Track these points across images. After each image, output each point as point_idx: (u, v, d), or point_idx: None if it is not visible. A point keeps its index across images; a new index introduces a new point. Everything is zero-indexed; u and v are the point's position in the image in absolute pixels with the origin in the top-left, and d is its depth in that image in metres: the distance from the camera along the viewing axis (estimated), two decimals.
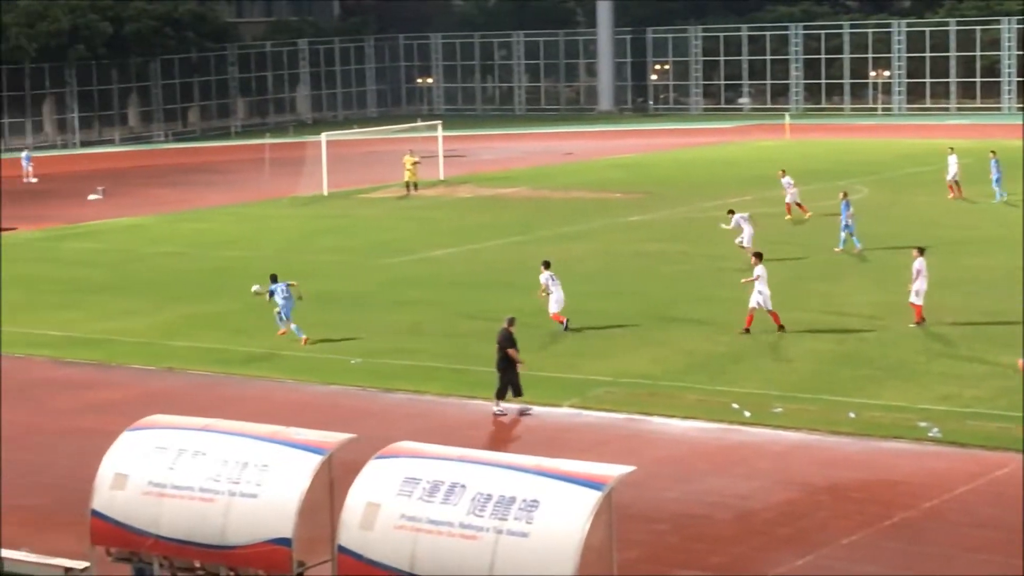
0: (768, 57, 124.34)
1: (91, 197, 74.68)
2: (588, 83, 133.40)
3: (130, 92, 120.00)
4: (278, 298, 39.47)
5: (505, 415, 31.12)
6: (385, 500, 19.34)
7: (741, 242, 49.20)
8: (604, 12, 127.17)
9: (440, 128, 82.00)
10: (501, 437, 29.21)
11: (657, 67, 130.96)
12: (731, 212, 51.11)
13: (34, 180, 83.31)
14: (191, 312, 43.44)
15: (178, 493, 20.60)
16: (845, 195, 52.10)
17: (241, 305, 44.14)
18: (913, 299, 38.47)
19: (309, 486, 20.05)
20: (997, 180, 62.70)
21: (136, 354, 38.02)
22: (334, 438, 21.02)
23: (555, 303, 39.47)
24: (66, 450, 29.31)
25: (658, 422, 30.34)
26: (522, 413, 31.27)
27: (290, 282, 39.93)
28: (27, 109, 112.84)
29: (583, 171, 79.25)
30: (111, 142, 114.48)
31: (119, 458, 21.34)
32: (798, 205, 59.16)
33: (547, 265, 40.12)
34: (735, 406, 30.81)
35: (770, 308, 38.02)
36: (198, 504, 20.42)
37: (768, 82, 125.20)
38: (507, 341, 31.19)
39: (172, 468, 20.81)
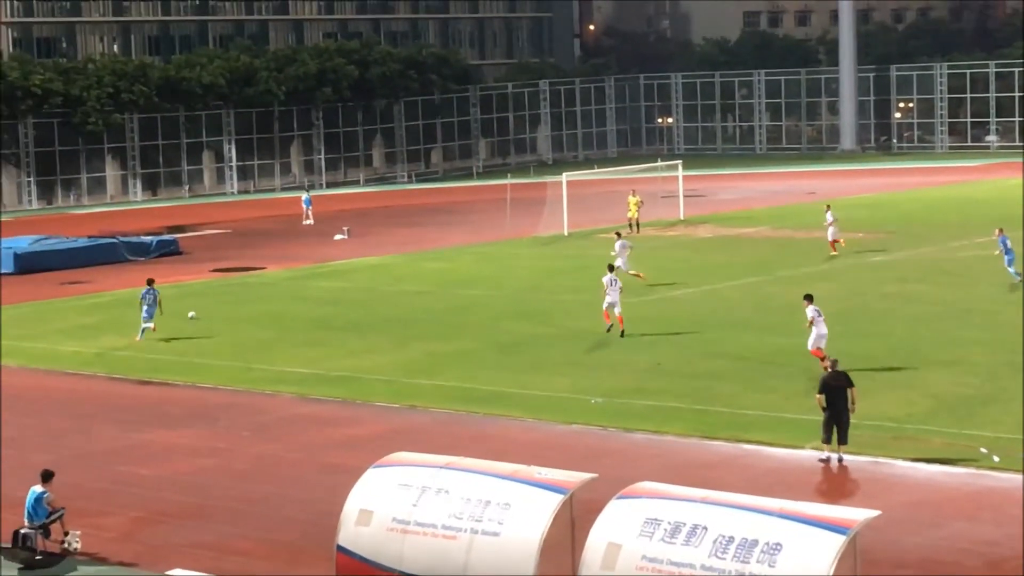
0: (1016, 94, 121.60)
1: (337, 237, 76.13)
2: (830, 122, 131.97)
3: (375, 134, 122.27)
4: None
5: (829, 460, 30.00)
6: (626, 541, 19.29)
7: (620, 266, 49.24)
8: (847, 50, 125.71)
9: (680, 168, 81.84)
10: (743, 479, 28.90)
11: (901, 105, 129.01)
12: (618, 234, 50.21)
13: (311, 222, 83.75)
14: (433, 350, 43.93)
15: (421, 530, 20.80)
16: (1001, 231, 52.97)
17: (483, 343, 44.55)
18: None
19: (550, 525, 20.09)
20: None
21: (380, 391, 38.56)
22: (575, 477, 21.04)
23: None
24: (313, 485, 29.82)
25: (903, 466, 29.76)
26: (823, 460, 30.12)
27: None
28: (276, 151, 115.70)
29: (821, 212, 78.31)
30: (356, 183, 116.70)
31: (364, 494, 21.64)
32: (832, 243, 60.68)
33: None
34: (984, 450, 30.08)
35: (820, 346, 38.24)
36: (441, 541, 20.60)
37: (1016, 119, 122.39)
38: (849, 382, 30.01)
39: (416, 505, 21.03)
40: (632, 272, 51.69)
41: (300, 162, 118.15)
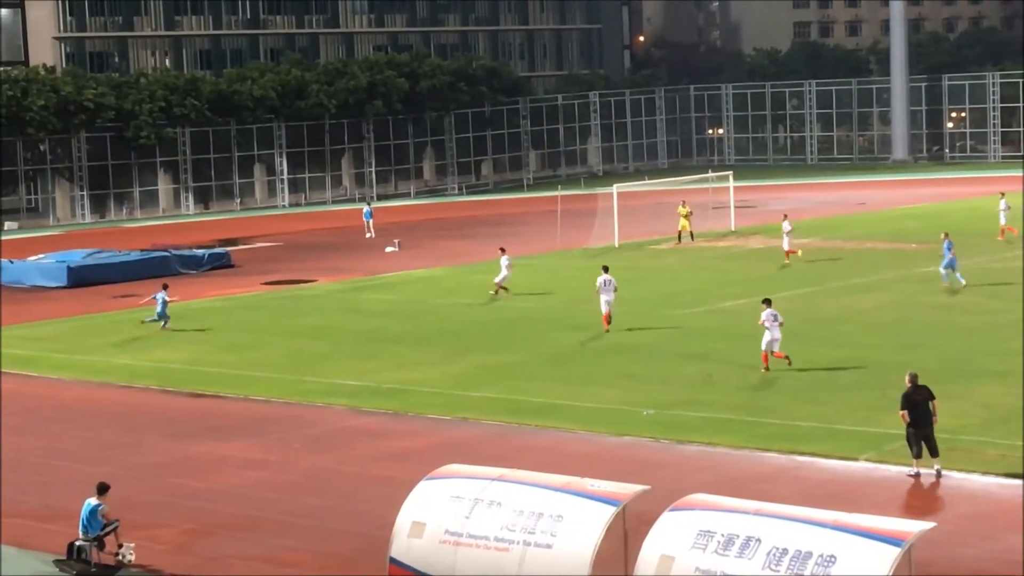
0: None
1: (388, 249, 76.31)
2: (882, 132, 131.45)
3: (425, 146, 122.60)
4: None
5: (919, 475, 29.76)
6: (679, 553, 19.26)
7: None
8: (898, 60, 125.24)
9: (731, 179, 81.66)
10: (796, 491, 28.79)
11: (953, 115, 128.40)
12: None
13: (372, 235, 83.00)
14: (484, 362, 43.98)
15: (474, 542, 20.82)
16: (946, 235, 54.92)
17: (533, 355, 44.58)
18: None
19: (603, 537, 20.07)
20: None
21: (431, 403, 38.61)
22: (628, 489, 21.02)
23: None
24: (365, 497, 29.88)
25: (958, 477, 29.59)
26: (914, 475, 29.82)
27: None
28: (327, 164, 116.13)
29: (876, 221, 78.07)
30: (406, 195, 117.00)
31: (416, 506, 21.68)
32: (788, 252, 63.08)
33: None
34: None
35: (772, 349, 40.12)
36: (493, 553, 20.61)
37: None
38: (930, 395, 29.90)
39: (468, 517, 21.04)
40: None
41: (351, 175, 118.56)
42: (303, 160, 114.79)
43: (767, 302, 40.91)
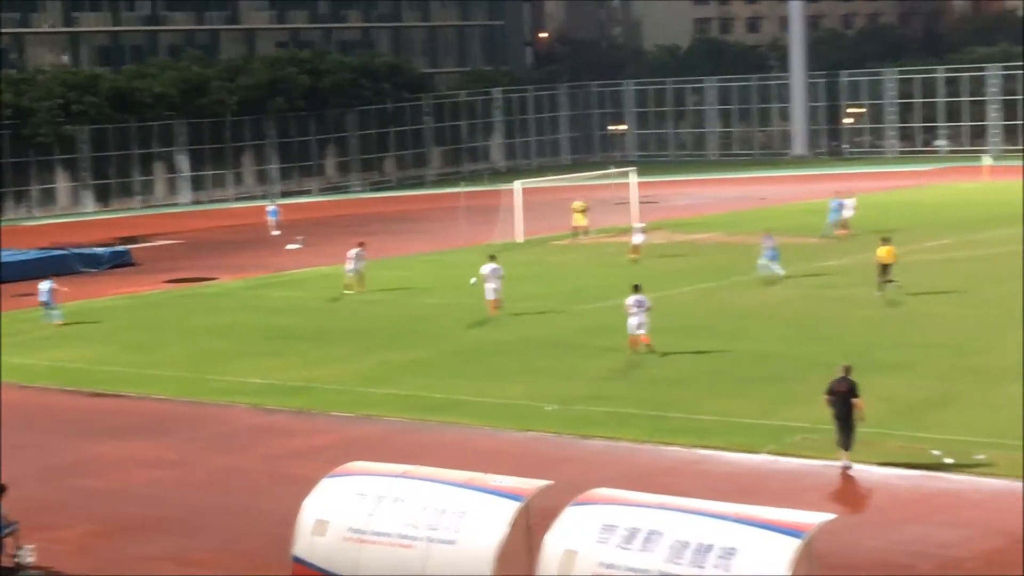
0: (965, 99, 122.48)
1: (291, 247, 75.98)
2: (781, 128, 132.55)
3: (328, 143, 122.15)
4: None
5: (851, 468, 29.90)
6: (582, 547, 19.34)
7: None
8: (797, 56, 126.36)
9: (633, 174, 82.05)
10: (698, 484, 29.01)
11: (851, 110, 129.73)
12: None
13: (277, 233, 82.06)
14: (389, 359, 43.94)
15: (378, 539, 20.80)
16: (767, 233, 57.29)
17: (438, 351, 44.60)
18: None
19: (507, 533, 20.12)
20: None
21: (336, 401, 38.53)
22: (531, 485, 21.09)
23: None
24: (269, 496, 29.77)
25: (858, 469, 29.91)
26: (847, 468, 29.94)
27: None
28: (228, 161, 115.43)
29: (777, 216, 78.66)
30: (309, 192, 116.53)
31: (320, 504, 21.63)
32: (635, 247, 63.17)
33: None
34: (936, 453, 30.29)
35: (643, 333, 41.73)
36: (397, 550, 20.61)
37: (965, 124, 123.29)
38: (854, 391, 30.03)
39: (371, 515, 21.02)
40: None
41: (253, 172, 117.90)
42: (204, 157, 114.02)
43: (636, 288, 42.37)
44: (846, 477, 29.49)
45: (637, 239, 63.76)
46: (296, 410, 38.00)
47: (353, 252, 58.30)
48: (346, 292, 57.14)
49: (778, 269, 55.87)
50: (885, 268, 51.50)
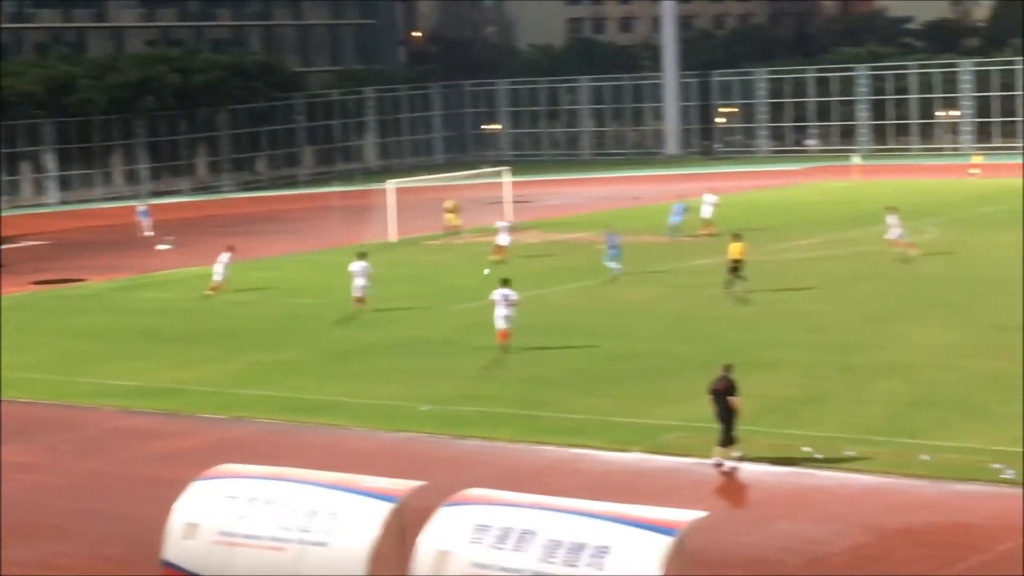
0: (835, 98, 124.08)
1: (160, 247, 75.18)
2: (654, 127, 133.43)
3: (198, 142, 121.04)
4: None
5: (723, 465, 30.08)
6: (456, 548, 19.24)
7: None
8: (670, 56, 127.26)
9: (507, 174, 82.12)
10: (572, 483, 29.02)
11: (723, 110, 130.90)
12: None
13: (149, 233, 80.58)
14: (261, 360, 43.57)
15: (248, 542, 20.56)
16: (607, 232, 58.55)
17: (311, 352, 44.32)
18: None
19: (380, 534, 19.98)
20: None
21: (206, 403, 38.13)
22: (404, 485, 20.95)
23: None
24: (138, 499, 29.37)
25: (729, 466, 30.07)
26: (717, 465, 30.18)
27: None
28: (97, 161, 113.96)
29: (650, 215, 79.07)
30: (180, 192, 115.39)
31: (190, 507, 21.34)
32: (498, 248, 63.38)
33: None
34: (807, 449, 30.55)
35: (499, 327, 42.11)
36: (269, 553, 20.39)
37: (835, 123, 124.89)
38: (732, 389, 30.17)
39: (242, 517, 20.78)
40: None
41: (122, 172, 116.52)
42: (72, 157, 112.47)
43: (505, 282, 42.88)
44: (721, 475, 29.64)
45: (502, 239, 63.69)
46: (165, 412, 37.54)
47: (226, 256, 57.68)
48: (208, 293, 56.45)
49: (616, 267, 56.57)
50: (736, 264, 52.06)
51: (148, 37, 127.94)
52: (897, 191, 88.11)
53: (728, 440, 29.95)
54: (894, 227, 59.26)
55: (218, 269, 57.08)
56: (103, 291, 60.57)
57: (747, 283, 51.68)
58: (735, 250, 52.24)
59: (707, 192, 71.91)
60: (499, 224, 64.86)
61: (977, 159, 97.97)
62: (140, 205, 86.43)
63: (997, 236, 64.00)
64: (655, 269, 58.49)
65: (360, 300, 51.00)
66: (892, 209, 60.63)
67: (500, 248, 63.21)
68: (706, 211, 69.81)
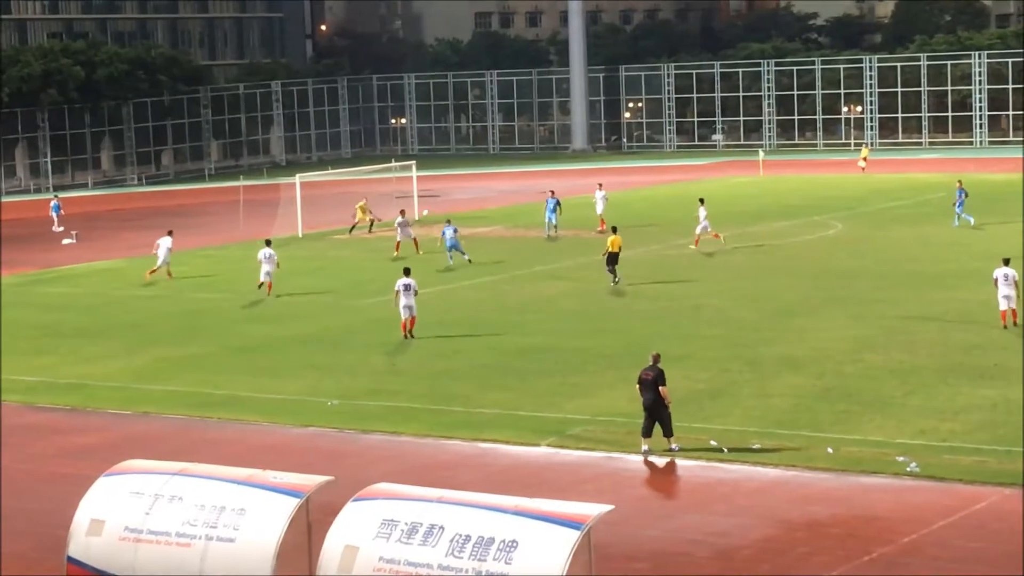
0: (741, 94, 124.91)
1: (65, 241, 74.44)
2: (562, 121, 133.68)
3: (103, 136, 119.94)
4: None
5: (652, 454, 30.27)
6: (363, 543, 19.23)
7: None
8: (577, 51, 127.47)
9: (414, 168, 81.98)
10: (479, 478, 29.07)
11: (630, 105, 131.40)
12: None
13: (62, 229, 78.73)
14: (167, 355, 43.28)
15: (155, 538, 20.45)
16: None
17: (218, 347, 44.07)
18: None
19: (287, 529, 19.92)
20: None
21: (111, 398, 37.82)
22: (311, 481, 20.91)
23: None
24: (41, 496, 29.10)
25: (636, 460, 30.24)
26: (647, 454, 30.32)
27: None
28: (0, 154, 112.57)
29: (563, 209, 79.23)
30: (84, 186, 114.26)
31: (95, 504, 21.19)
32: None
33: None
34: (713, 443, 30.74)
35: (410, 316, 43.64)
36: (175, 549, 20.29)
37: (741, 119, 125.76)
38: (660, 379, 30.30)
39: (148, 513, 20.66)
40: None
41: (25, 165, 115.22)
42: None
43: (407, 271, 44.15)
44: (626, 468, 29.78)
45: (402, 235, 63.34)
46: (69, 408, 37.23)
47: (168, 240, 59.14)
48: (149, 278, 58.41)
49: (450, 260, 58.91)
50: (613, 257, 52.50)
51: (52, 30, 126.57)
52: (802, 186, 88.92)
53: (668, 430, 30.12)
54: (702, 219, 61.61)
55: (161, 254, 58.65)
56: (5, 286, 59.82)
57: (620, 276, 52.17)
58: (614, 243, 52.74)
59: (598, 187, 72.12)
60: (398, 221, 64.37)
61: (864, 152, 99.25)
62: (53, 200, 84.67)
63: (900, 231, 64.69)
64: (563, 264, 58.62)
65: (266, 286, 53.02)
66: (702, 201, 63.43)
67: (399, 244, 63.08)
68: (600, 207, 69.99)
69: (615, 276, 52.27)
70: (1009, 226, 62.01)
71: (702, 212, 61.77)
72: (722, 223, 67.74)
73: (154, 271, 58.33)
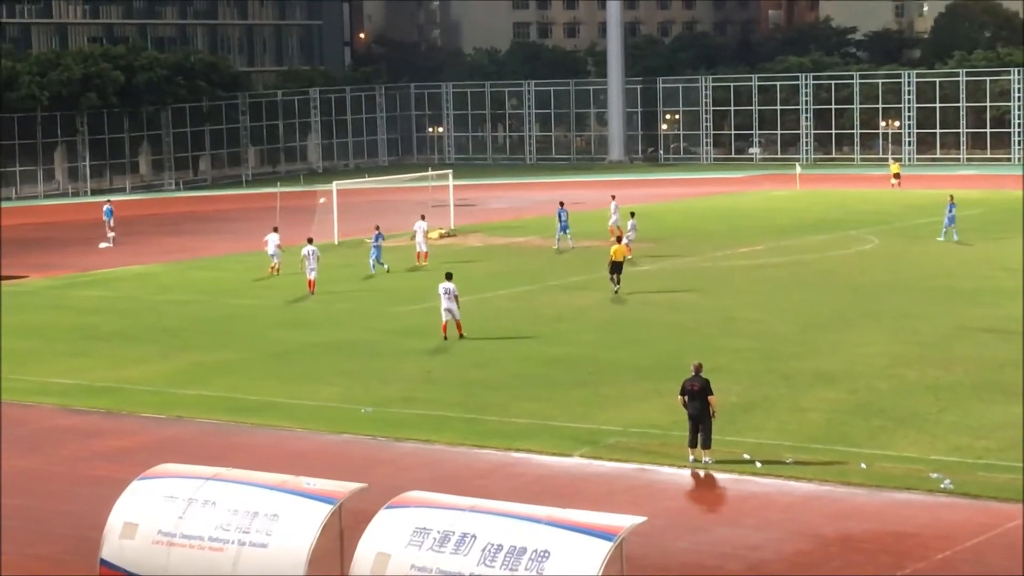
0: (778, 107, 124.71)
1: (102, 245, 74.69)
2: (599, 132, 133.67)
3: (141, 140, 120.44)
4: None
5: (700, 464, 30.26)
6: (395, 550, 19.25)
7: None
8: (615, 62, 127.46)
9: (451, 177, 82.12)
10: (512, 487, 29.06)
11: (667, 117, 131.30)
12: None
13: (113, 234, 76.33)
14: (201, 360, 43.40)
15: (187, 543, 20.51)
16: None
17: (252, 353, 44.18)
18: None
19: (319, 536, 19.96)
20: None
21: (146, 402, 37.95)
22: (344, 487, 20.94)
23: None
24: (75, 499, 29.21)
25: (669, 472, 30.21)
26: (696, 464, 30.30)
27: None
28: (39, 157, 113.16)
29: (593, 220, 79.13)
30: (122, 190, 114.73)
31: (128, 507, 21.26)
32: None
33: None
34: (746, 456, 30.68)
35: (457, 319, 44.58)
36: (208, 554, 20.34)
37: (778, 132, 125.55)
38: (708, 389, 30.17)
39: (182, 517, 20.73)
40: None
41: (64, 168, 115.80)
42: (14, 153, 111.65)
43: (448, 276, 45.15)
44: (659, 479, 29.74)
45: (422, 246, 63.22)
46: (104, 411, 37.35)
47: (275, 237, 61.13)
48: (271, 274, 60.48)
49: (372, 268, 60.26)
50: (616, 266, 52.58)
51: (92, 34, 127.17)
52: (838, 200, 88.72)
53: (707, 442, 30.09)
54: (629, 231, 63.05)
55: (272, 251, 60.70)
56: (43, 288, 60.17)
57: (618, 288, 52.53)
58: (617, 252, 52.91)
59: (612, 199, 71.75)
60: (416, 227, 64.26)
61: (895, 168, 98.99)
62: (105, 203, 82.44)
63: (935, 246, 64.49)
64: (598, 275, 58.58)
65: (313, 284, 55.01)
66: (631, 214, 65.53)
67: (421, 255, 63.01)
68: (613, 218, 69.59)
69: (616, 284, 52.84)
70: None
71: (631, 223, 64.11)
72: (758, 236, 67.73)
73: (274, 268, 60.55)
